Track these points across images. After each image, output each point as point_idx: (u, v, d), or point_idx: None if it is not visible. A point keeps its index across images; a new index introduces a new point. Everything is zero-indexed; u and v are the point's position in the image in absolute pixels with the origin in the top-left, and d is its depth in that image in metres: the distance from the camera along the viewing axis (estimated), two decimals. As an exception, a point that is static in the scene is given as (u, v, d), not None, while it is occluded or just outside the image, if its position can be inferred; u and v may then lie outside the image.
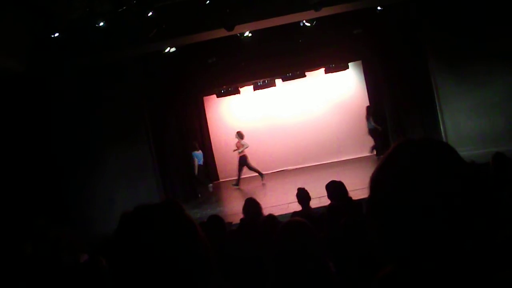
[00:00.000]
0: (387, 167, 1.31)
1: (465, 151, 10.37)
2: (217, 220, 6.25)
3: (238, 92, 17.45)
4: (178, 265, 1.38)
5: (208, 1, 10.14)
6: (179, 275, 1.37)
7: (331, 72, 16.59)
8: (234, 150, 15.20)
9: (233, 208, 11.43)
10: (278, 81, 17.09)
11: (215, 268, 1.47)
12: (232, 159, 16.16)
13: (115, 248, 1.42)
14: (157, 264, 1.36)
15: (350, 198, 6.87)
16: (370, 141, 16.54)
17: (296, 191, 7.51)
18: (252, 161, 15.00)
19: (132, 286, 1.38)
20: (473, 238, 1.19)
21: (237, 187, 14.97)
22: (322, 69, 16.74)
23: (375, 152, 15.37)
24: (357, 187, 9.39)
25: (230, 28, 10.52)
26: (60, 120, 11.90)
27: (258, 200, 6.99)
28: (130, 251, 1.39)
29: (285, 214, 8.72)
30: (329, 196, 6.89)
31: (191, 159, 14.74)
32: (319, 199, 9.33)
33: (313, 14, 10.88)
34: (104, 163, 12.26)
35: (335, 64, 16.29)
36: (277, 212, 8.37)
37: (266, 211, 6.99)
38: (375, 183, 1.32)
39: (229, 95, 17.40)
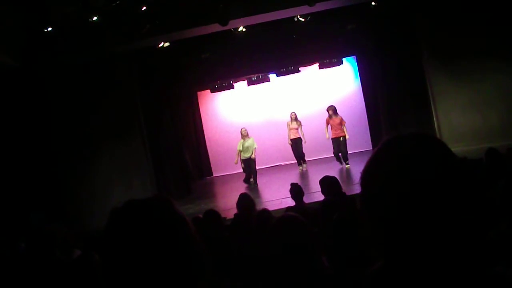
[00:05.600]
0: (377, 163, 1.31)
1: (459, 147, 10.41)
2: (214, 215, 6.26)
3: (232, 87, 17.45)
4: (169, 260, 1.37)
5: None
6: (170, 270, 1.37)
7: (325, 68, 16.61)
8: None
9: (226, 204, 11.43)
10: (272, 76, 17.09)
11: (207, 263, 1.47)
12: (226, 154, 16.21)
13: (105, 244, 1.42)
14: (147, 259, 1.36)
15: (344, 193, 6.89)
16: (364, 136, 16.54)
17: (289, 187, 7.52)
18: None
19: (123, 282, 1.38)
20: (465, 233, 1.20)
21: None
22: (316, 64, 16.75)
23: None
24: (351, 182, 9.42)
25: (224, 23, 10.51)
26: (55, 116, 11.94)
27: (252, 195, 7.00)
28: (120, 246, 1.38)
29: (279, 209, 8.73)
30: (322, 191, 6.90)
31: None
32: (313, 194, 9.36)
33: (307, 9, 10.88)
34: (99, 158, 12.28)
35: (329, 60, 16.31)
36: (270, 207, 8.38)
37: (260, 206, 7.01)
38: (366, 179, 1.32)
39: (223, 90, 17.40)
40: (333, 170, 13.62)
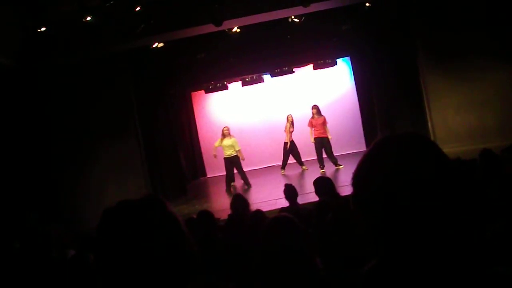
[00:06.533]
0: (369, 163, 1.32)
1: (453, 148, 10.41)
2: (207, 216, 6.25)
3: (226, 88, 17.44)
4: (161, 261, 1.37)
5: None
6: (162, 271, 1.37)
7: (320, 68, 16.61)
8: None
9: (221, 204, 11.42)
10: (267, 77, 17.09)
11: (200, 263, 1.47)
12: (220, 155, 16.19)
13: (98, 244, 1.42)
14: (139, 260, 1.35)
15: (338, 194, 6.89)
16: (358, 137, 16.56)
17: (283, 187, 7.52)
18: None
19: (116, 282, 1.37)
20: (460, 232, 1.20)
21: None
22: (311, 65, 16.76)
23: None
24: (345, 183, 9.41)
25: (219, 24, 10.50)
26: (50, 116, 11.93)
27: (246, 196, 7.01)
28: (112, 246, 1.38)
29: (273, 210, 8.72)
30: (317, 192, 6.90)
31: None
32: (307, 195, 9.35)
33: (301, 10, 10.88)
34: (94, 158, 12.28)
35: (323, 60, 16.31)
36: (264, 207, 8.38)
37: (253, 207, 7.00)
38: (358, 178, 1.32)
39: (217, 90, 17.40)
40: (327, 170, 13.63)
